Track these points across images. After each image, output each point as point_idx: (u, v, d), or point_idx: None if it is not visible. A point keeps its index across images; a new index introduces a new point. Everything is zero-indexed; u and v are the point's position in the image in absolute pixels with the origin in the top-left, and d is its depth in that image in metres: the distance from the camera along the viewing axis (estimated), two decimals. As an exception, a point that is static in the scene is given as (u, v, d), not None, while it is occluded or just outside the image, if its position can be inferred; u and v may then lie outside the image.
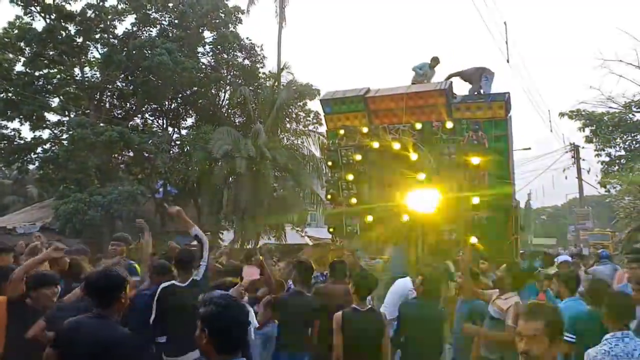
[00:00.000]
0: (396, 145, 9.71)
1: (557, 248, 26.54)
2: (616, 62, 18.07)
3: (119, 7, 22.64)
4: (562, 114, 19.47)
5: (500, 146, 9.46)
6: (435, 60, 11.25)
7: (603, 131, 18.75)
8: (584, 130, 19.28)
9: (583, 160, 24.95)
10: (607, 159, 19.52)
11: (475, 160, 9.20)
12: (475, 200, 9.16)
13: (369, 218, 10.17)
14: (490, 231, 9.33)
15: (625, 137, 18.92)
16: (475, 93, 10.28)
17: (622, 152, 19.25)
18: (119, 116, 23.39)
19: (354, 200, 10.46)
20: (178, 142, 23.94)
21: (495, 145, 9.39)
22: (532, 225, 47.83)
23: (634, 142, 18.88)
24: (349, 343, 4.49)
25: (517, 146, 18.67)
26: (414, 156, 9.58)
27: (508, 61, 14.59)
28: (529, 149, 37.71)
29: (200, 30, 23.96)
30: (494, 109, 9.44)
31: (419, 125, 9.66)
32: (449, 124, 9.43)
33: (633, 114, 18.82)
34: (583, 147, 24.02)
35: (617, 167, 19.17)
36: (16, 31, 21.11)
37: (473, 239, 9.16)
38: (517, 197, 11.36)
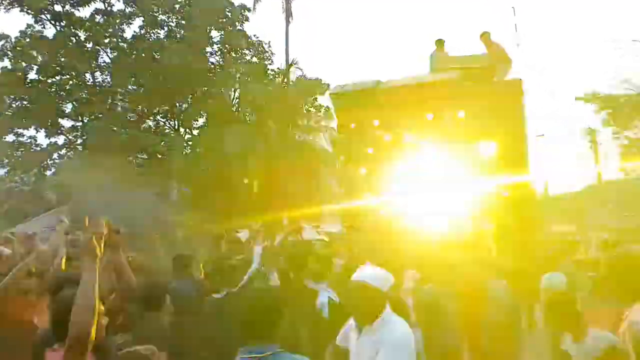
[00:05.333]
0: (409, 137, 9.60)
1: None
2: (631, 43, 17.70)
3: (127, 10, 22.74)
4: (577, 98, 19.15)
5: (515, 133, 9.32)
6: (439, 43, 11.14)
7: (621, 114, 18.40)
8: (600, 114, 18.97)
9: (600, 144, 24.54)
10: (627, 142, 19.16)
11: (490, 147, 9.07)
12: (492, 188, 9.03)
13: (384, 212, 10.08)
14: (509, 220, 9.19)
15: (644, 118, 18.56)
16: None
17: (642, 135, 18.88)
18: (131, 119, 23.54)
19: (368, 194, 10.37)
20: (190, 143, 24.02)
21: (509, 132, 9.25)
22: (551, 212, 47.16)
23: (653, 124, 18.51)
24: None
25: (532, 132, 18.40)
26: (427, 147, 9.48)
27: (518, 45, 14.36)
28: (542, 135, 37.20)
29: (208, 30, 23.97)
30: (508, 96, 9.29)
31: (431, 116, 9.54)
32: (461, 113, 9.28)
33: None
34: (600, 131, 23.63)
35: (636, 150, 18.80)
36: (28, 39, 21.32)
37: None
38: (535, 184, 11.19)
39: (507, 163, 9.29)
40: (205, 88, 23.48)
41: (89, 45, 21.95)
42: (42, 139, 22.89)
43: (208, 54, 24.27)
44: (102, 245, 2.50)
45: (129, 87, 23.19)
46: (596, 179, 26.96)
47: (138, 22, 23.02)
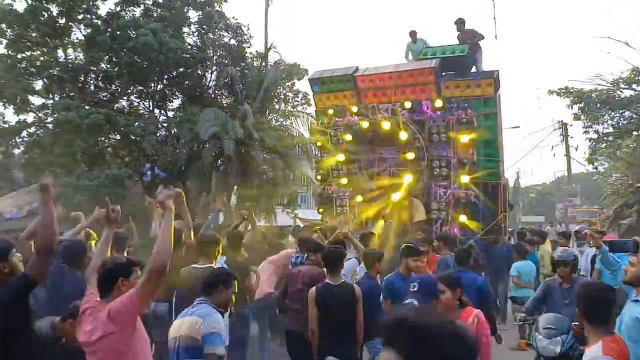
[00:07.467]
0: (386, 125, 9.66)
1: (546, 226, 26.78)
2: (605, 40, 18.05)
3: (102, -14, 22.09)
4: (551, 92, 19.48)
5: (490, 124, 9.47)
6: (413, 34, 11.25)
7: (591, 108, 18.81)
8: (572, 108, 19.34)
9: (571, 138, 25.08)
10: (596, 136, 19.62)
11: (464, 138, 9.20)
12: (465, 178, 9.18)
13: (359, 198, 10.17)
14: (480, 209, 9.38)
15: (613, 114, 19.01)
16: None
17: (610, 130, 19.35)
18: (105, 99, 23.00)
19: (344, 181, 10.44)
20: (165, 125, 23.62)
21: (484, 123, 9.39)
22: (521, 203, 48.26)
23: (621, 119, 18.97)
24: (324, 317, 4.64)
25: (506, 124, 18.71)
26: (404, 135, 9.56)
27: (496, 38, 14.59)
28: (518, 127, 37.78)
29: (185, 10, 23.51)
30: (483, 87, 9.42)
31: (408, 104, 9.61)
32: (439, 103, 9.38)
33: (621, 91, 18.89)
34: (571, 125, 24.12)
35: (605, 145, 19.27)
36: (-4, 13, 20.57)
37: (462, 218, 9.22)
38: (506, 175, 11.43)
39: (480, 152, 9.45)
40: (182, 69, 23.09)
41: (62, 21, 21.27)
42: (10, 116, 22.31)
43: (185, 35, 23.84)
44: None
45: (103, 65, 22.66)
46: (566, 172, 27.61)
47: (114, -2, 22.45)
